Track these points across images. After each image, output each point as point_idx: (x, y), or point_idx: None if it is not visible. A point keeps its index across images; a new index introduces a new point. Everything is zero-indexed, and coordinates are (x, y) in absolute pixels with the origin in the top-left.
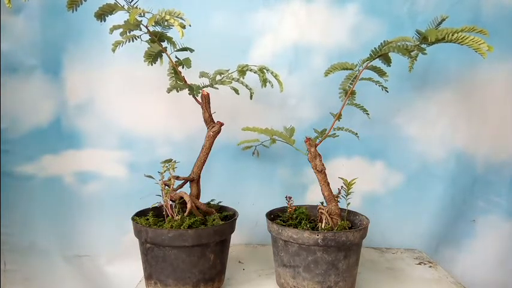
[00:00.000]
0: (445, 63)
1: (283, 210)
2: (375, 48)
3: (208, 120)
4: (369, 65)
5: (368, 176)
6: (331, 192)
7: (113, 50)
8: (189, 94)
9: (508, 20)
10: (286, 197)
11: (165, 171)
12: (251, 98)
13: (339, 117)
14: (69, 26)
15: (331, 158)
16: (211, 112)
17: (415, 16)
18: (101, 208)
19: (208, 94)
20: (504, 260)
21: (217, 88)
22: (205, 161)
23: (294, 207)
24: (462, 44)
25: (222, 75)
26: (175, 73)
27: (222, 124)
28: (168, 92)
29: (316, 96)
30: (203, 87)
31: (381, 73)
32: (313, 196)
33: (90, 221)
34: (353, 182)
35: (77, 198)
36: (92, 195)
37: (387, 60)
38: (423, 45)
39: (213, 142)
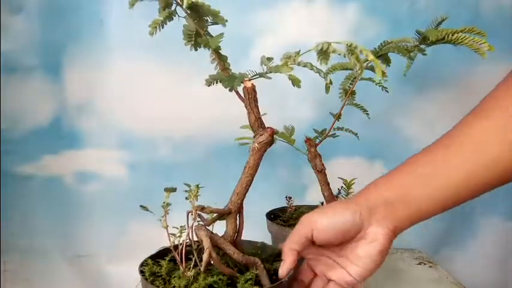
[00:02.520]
0: (444, 64)
1: (283, 210)
2: (375, 48)
3: (255, 124)
4: (369, 65)
5: (368, 176)
6: (331, 192)
7: (151, 33)
8: (226, 87)
9: (507, 21)
10: (286, 197)
11: (192, 199)
12: (327, 91)
13: (338, 117)
14: (69, 26)
15: (331, 158)
16: (261, 114)
17: (415, 16)
18: (101, 208)
19: (253, 86)
20: (504, 260)
21: (269, 78)
22: (250, 185)
23: (294, 207)
24: (462, 45)
25: (289, 59)
26: (219, 58)
27: (273, 132)
28: (208, 85)
29: (316, 96)
30: (252, 77)
31: (381, 74)
32: (313, 196)
33: (90, 221)
34: (353, 182)
35: (77, 198)
36: (92, 195)
37: (387, 61)
38: (423, 46)
39: (260, 158)
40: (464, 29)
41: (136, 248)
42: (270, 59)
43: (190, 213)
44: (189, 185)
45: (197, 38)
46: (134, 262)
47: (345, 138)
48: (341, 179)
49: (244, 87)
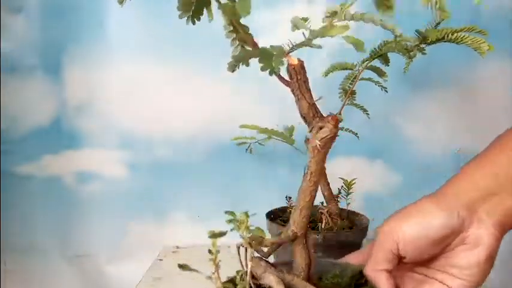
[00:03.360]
0: (445, 64)
1: (283, 210)
2: (374, 48)
3: (310, 114)
4: (368, 65)
5: (368, 176)
6: (331, 192)
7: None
8: (263, 70)
9: (507, 21)
10: (286, 197)
11: (244, 231)
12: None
13: None
14: (69, 26)
15: (331, 158)
16: (315, 98)
17: (415, 16)
18: (101, 208)
19: (301, 63)
20: (504, 260)
21: (319, 47)
22: (315, 196)
23: (294, 207)
24: (462, 44)
25: (335, 15)
26: (237, 29)
27: (337, 120)
28: (232, 70)
29: (316, 96)
30: (291, 49)
31: (381, 73)
32: None
33: (90, 221)
34: (353, 182)
35: (76, 198)
36: (92, 195)
37: (386, 60)
38: (423, 45)
39: (324, 158)
40: (464, 28)
41: (136, 248)
42: (305, 19)
43: (242, 247)
44: (233, 214)
45: (204, 6)
46: (134, 262)
47: (345, 138)
48: (341, 179)
49: (290, 65)
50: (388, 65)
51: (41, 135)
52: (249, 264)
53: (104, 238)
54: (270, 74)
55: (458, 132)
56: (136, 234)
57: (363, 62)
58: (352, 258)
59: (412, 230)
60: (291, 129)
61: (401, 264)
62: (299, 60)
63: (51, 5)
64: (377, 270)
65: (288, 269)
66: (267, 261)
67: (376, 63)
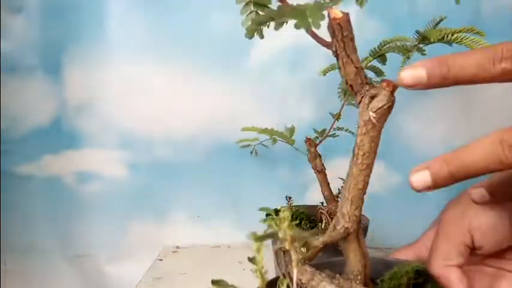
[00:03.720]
0: None
1: None
2: (374, 48)
3: (357, 80)
4: (368, 65)
5: None
6: (331, 192)
7: None
8: (297, 27)
9: (508, 21)
10: (286, 197)
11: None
12: None
13: (338, 117)
14: (69, 26)
15: (331, 158)
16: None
17: (415, 16)
18: (101, 208)
19: (346, 17)
20: None
21: None
22: (368, 183)
23: (294, 207)
24: (461, 45)
25: None
26: None
27: (394, 86)
28: (250, 36)
29: (316, 96)
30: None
31: (380, 73)
32: (313, 196)
33: (90, 221)
34: None
35: (77, 198)
36: (92, 195)
37: (383, 60)
38: (421, 45)
39: (379, 135)
40: (463, 29)
41: (136, 248)
42: None
43: (280, 251)
44: (268, 209)
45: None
46: (134, 262)
47: (345, 138)
48: (341, 179)
49: (333, 19)
50: (385, 65)
51: (41, 135)
52: (294, 270)
53: (104, 238)
54: (308, 31)
55: (458, 132)
56: (136, 234)
57: (362, 61)
58: (401, 254)
59: (490, 216)
60: (291, 130)
61: (471, 257)
62: (343, 13)
63: (51, 5)
64: (446, 266)
65: (332, 271)
66: (311, 265)
67: (376, 62)
